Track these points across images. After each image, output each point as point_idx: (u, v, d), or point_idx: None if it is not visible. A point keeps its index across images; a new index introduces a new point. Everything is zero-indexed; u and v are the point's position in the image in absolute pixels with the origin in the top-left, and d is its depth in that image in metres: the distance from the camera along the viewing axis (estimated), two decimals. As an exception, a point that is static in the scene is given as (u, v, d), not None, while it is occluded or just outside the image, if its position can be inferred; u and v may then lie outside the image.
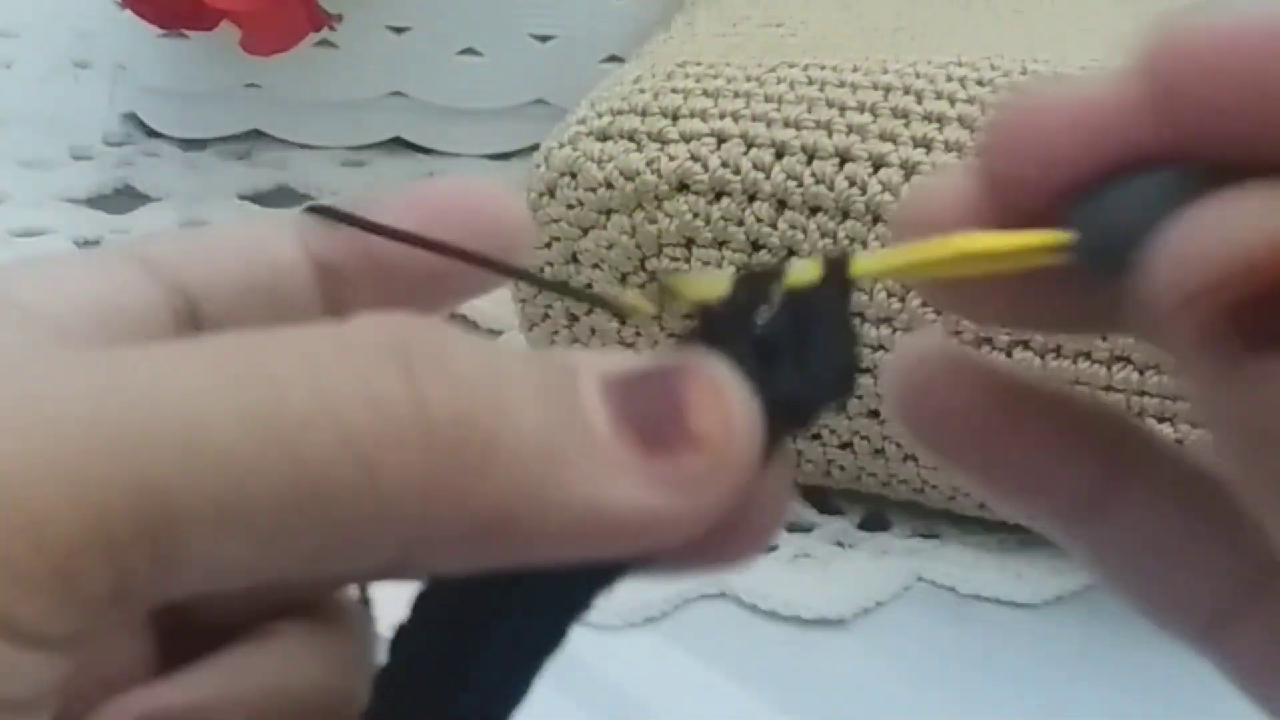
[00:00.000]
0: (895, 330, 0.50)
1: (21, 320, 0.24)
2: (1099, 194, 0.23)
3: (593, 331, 0.54)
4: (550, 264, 0.53)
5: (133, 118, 0.75)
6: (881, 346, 0.50)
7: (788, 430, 0.24)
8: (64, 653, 0.20)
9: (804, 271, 0.25)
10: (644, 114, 0.52)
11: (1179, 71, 0.22)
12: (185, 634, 0.25)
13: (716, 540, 0.23)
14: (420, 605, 0.24)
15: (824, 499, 0.55)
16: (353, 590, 0.27)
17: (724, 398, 0.23)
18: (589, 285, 0.53)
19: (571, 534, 0.22)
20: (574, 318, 0.55)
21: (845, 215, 0.50)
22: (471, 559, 0.22)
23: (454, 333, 0.22)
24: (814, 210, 0.51)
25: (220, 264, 0.26)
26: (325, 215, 0.26)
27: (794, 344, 0.24)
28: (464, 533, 0.21)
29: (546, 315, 0.55)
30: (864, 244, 0.50)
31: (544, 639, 0.24)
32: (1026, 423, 0.25)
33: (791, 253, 0.51)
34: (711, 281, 0.25)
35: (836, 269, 0.25)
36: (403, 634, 0.24)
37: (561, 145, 0.53)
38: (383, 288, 0.27)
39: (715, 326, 0.25)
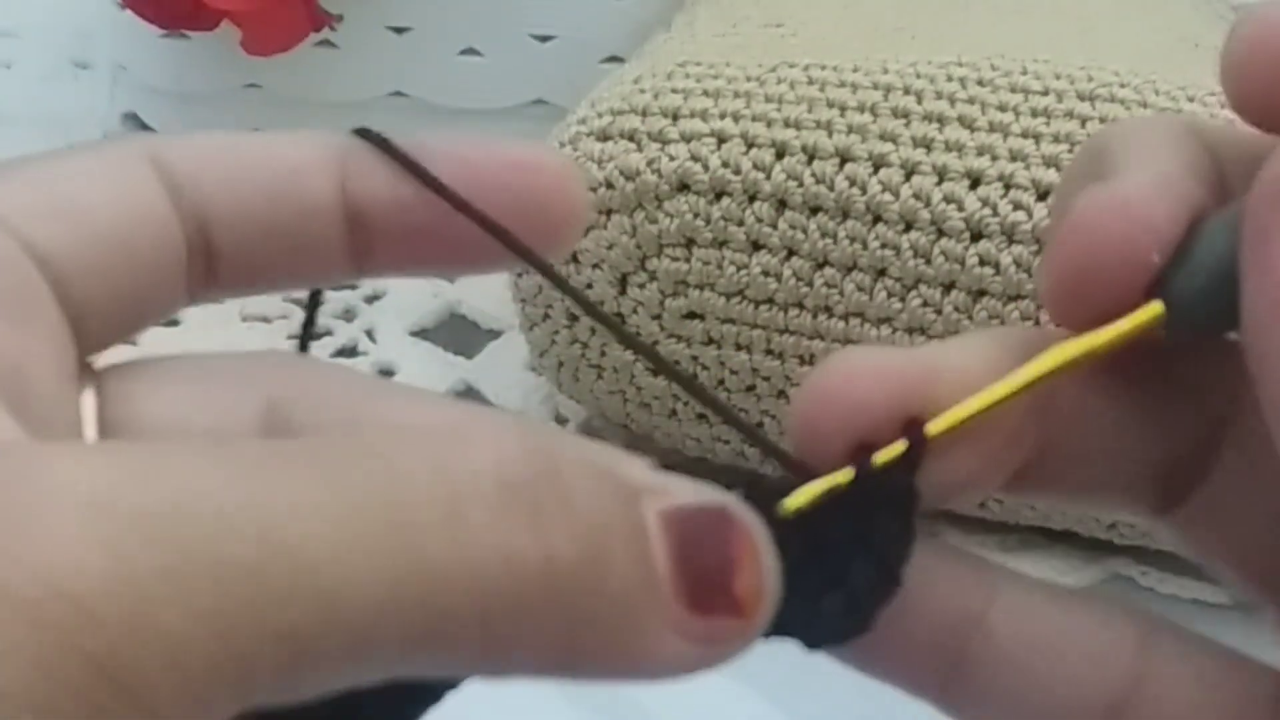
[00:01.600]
0: (895, 330, 0.50)
1: (13, 261, 0.23)
2: (1173, 266, 0.24)
3: (593, 331, 0.54)
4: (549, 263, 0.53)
5: (133, 118, 0.75)
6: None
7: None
8: None
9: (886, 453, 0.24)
10: (644, 114, 0.52)
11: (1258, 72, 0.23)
12: None
13: None
14: None
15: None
16: None
17: (761, 562, 0.23)
18: (588, 286, 0.53)
19: (615, 673, 0.22)
20: (574, 318, 0.55)
21: (845, 215, 0.50)
22: (523, 676, 0.22)
23: (570, 464, 0.22)
24: (814, 210, 0.50)
25: (246, 196, 0.25)
26: (374, 142, 0.25)
27: (839, 554, 0.24)
28: (531, 666, 0.22)
29: (547, 315, 0.55)
30: (864, 244, 0.50)
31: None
32: None
33: (791, 254, 0.51)
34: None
35: (912, 451, 0.24)
36: None
37: (562, 145, 0.53)
38: (410, 244, 0.26)
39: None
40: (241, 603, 0.20)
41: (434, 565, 0.21)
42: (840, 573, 0.24)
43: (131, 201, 0.25)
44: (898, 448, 0.24)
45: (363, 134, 0.25)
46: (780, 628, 0.23)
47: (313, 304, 0.28)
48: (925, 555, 0.25)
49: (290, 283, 0.27)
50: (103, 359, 0.25)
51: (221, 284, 0.26)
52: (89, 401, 0.24)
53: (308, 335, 0.28)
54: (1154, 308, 0.24)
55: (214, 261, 0.26)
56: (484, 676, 0.22)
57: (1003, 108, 0.50)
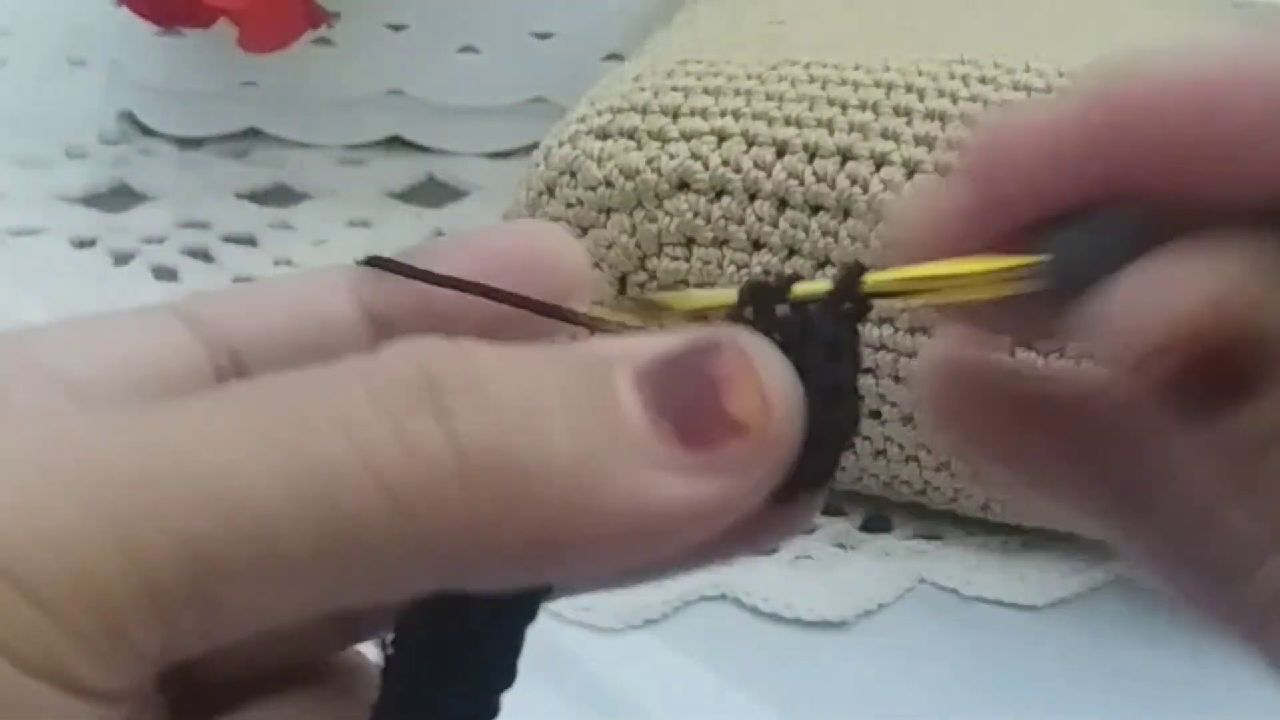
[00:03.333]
0: (896, 330, 0.50)
1: (43, 384, 0.24)
2: (1072, 224, 0.24)
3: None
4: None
5: (128, 116, 0.74)
6: (883, 347, 0.50)
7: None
8: (116, 706, 0.21)
9: (813, 287, 0.25)
10: (644, 112, 0.52)
11: (1115, 120, 0.23)
12: (191, 695, 0.25)
13: (749, 528, 0.23)
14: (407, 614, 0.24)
15: (825, 500, 0.55)
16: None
17: (759, 372, 0.22)
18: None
19: (620, 539, 0.22)
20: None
21: (847, 214, 0.50)
22: (516, 578, 0.22)
23: (483, 353, 0.22)
24: (815, 209, 0.50)
25: (267, 320, 0.26)
26: (379, 265, 0.26)
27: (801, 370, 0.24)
28: (506, 558, 0.21)
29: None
30: (866, 242, 0.49)
31: (525, 615, 0.24)
32: (1048, 429, 0.25)
33: (792, 253, 0.51)
34: (715, 295, 0.25)
35: (849, 281, 0.25)
36: (397, 638, 0.24)
37: (561, 143, 0.53)
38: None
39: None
40: (136, 512, 0.20)
41: (330, 460, 0.21)
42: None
43: (158, 343, 0.25)
44: (824, 285, 0.25)
45: (369, 261, 0.26)
46: None
47: None
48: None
49: None
50: None
51: None
52: None
53: None
54: (1033, 257, 0.24)
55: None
56: (452, 581, 0.22)
57: (1006, 105, 0.50)
